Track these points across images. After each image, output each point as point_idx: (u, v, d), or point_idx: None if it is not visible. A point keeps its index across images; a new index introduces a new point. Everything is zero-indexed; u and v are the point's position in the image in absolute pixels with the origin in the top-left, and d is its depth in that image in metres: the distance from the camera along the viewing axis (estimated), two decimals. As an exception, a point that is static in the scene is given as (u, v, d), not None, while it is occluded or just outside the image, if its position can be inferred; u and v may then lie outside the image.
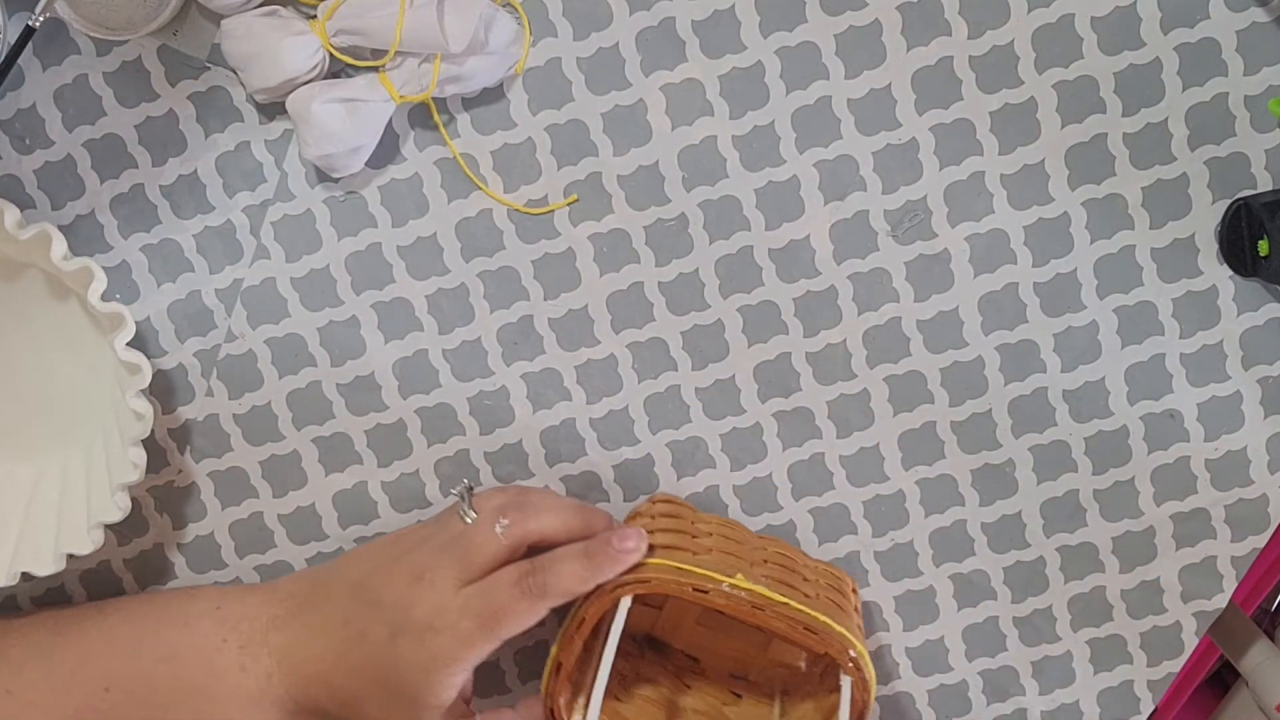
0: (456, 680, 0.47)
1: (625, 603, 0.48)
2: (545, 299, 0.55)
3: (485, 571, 0.49)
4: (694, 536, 0.53)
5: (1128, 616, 0.59)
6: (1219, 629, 0.62)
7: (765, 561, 0.53)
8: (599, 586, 0.49)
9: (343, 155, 0.51)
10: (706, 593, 0.48)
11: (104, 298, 0.50)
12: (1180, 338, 0.56)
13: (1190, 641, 0.60)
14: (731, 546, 0.53)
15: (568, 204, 0.49)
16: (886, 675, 0.60)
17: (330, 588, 0.51)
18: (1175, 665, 0.60)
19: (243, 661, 0.49)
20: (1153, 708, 0.61)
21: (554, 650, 0.50)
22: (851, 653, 0.49)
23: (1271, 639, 0.67)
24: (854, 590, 0.57)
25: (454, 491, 0.53)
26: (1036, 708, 0.60)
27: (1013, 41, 0.53)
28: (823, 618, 0.49)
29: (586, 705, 0.49)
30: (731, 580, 0.49)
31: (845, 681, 0.49)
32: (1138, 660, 0.60)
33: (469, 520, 0.50)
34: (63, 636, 0.51)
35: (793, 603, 0.49)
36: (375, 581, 0.49)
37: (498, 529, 0.49)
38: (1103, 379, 0.57)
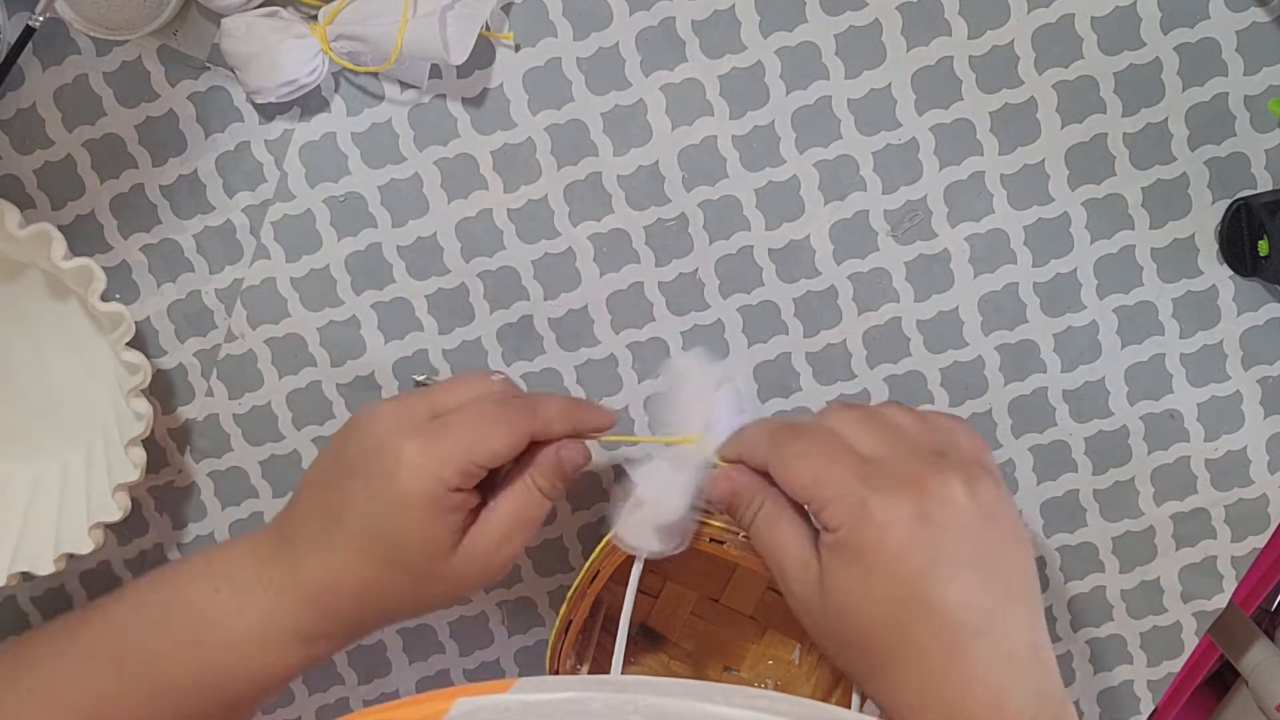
0: (430, 461, 0.45)
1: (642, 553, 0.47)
2: (545, 299, 0.55)
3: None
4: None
5: (1128, 616, 0.59)
6: (1219, 629, 0.62)
7: None
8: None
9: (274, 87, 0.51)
10: (723, 543, 0.48)
11: (104, 298, 0.50)
12: (1180, 338, 0.56)
13: (1190, 641, 0.60)
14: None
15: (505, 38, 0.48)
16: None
17: (302, 498, 0.49)
18: (1175, 665, 0.60)
19: (239, 606, 0.47)
20: (1153, 708, 0.61)
21: (563, 609, 0.49)
22: None
23: (1271, 639, 0.67)
24: None
25: (417, 378, 0.52)
26: (1036, 708, 0.60)
27: (1013, 41, 0.53)
28: None
29: (589, 670, 0.48)
30: (746, 533, 0.48)
31: None
32: (1138, 660, 0.60)
33: (434, 380, 0.48)
34: (77, 631, 0.51)
35: None
36: (335, 462, 0.48)
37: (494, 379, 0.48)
38: (1103, 379, 0.57)
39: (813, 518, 0.42)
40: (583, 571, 0.49)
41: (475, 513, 0.47)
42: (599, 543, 0.48)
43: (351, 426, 0.48)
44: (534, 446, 0.47)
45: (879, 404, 0.47)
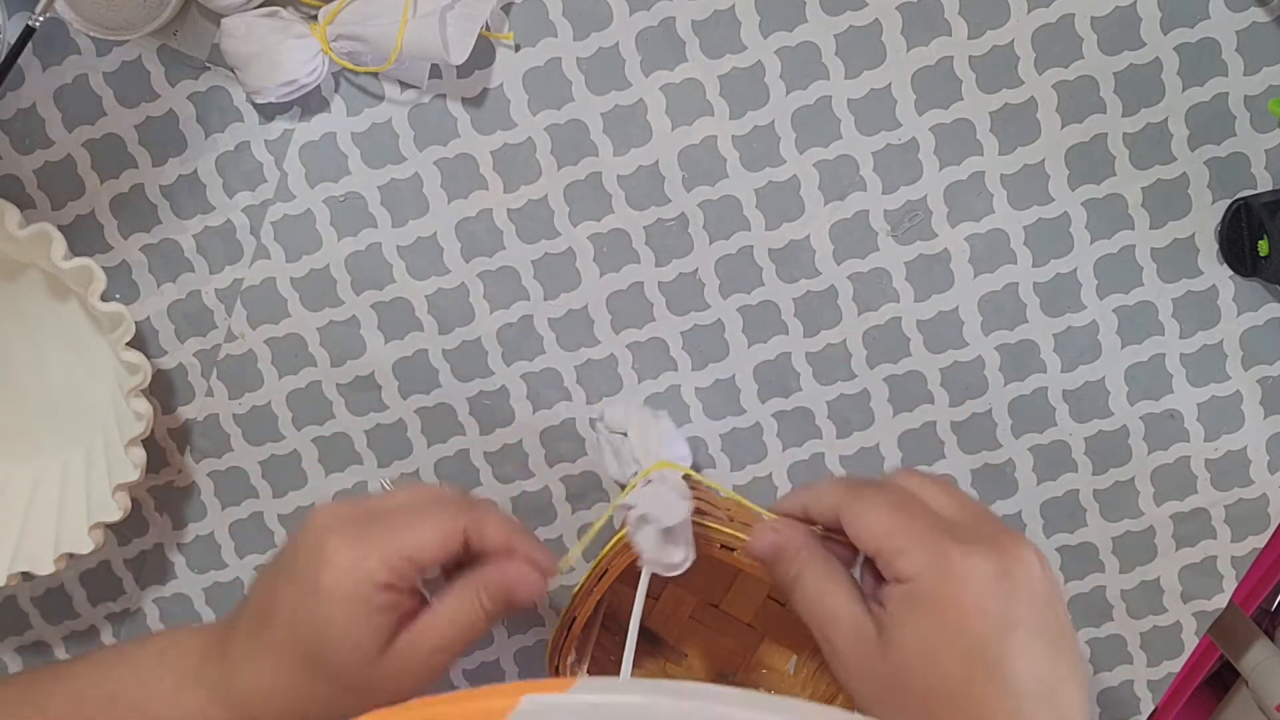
0: (350, 558, 0.43)
1: None
2: (545, 299, 0.55)
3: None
4: (715, 506, 0.53)
5: (1128, 616, 0.59)
6: (1219, 629, 0.62)
7: None
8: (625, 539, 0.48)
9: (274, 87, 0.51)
10: (734, 550, 0.48)
11: (104, 298, 0.50)
12: (1180, 338, 0.56)
13: (1190, 641, 0.59)
14: (750, 519, 0.53)
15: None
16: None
17: (248, 597, 0.48)
18: (1175, 665, 0.60)
19: (177, 699, 0.46)
20: (1153, 708, 0.61)
21: (569, 605, 0.49)
22: None
23: (1271, 639, 0.67)
24: None
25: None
26: (1036, 708, 0.60)
27: (1013, 41, 0.53)
28: None
29: (587, 669, 0.48)
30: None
31: None
32: (1138, 660, 0.60)
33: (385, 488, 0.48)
34: (39, 699, 0.50)
35: None
36: (276, 560, 0.46)
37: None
38: (1103, 379, 0.57)
39: (883, 568, 0.41)
40: (590, 569, 0.49)
41: (410, 618, 0.44)
42: (608, 542, 0.48)
43: (301, 525, 0.46)
44: (488, 560, 0.46)
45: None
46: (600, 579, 0.48)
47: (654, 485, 0.47)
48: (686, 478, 0.51)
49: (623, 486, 0.51)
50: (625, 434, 0.52)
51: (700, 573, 0.57)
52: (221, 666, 0.46)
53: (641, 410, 0.55)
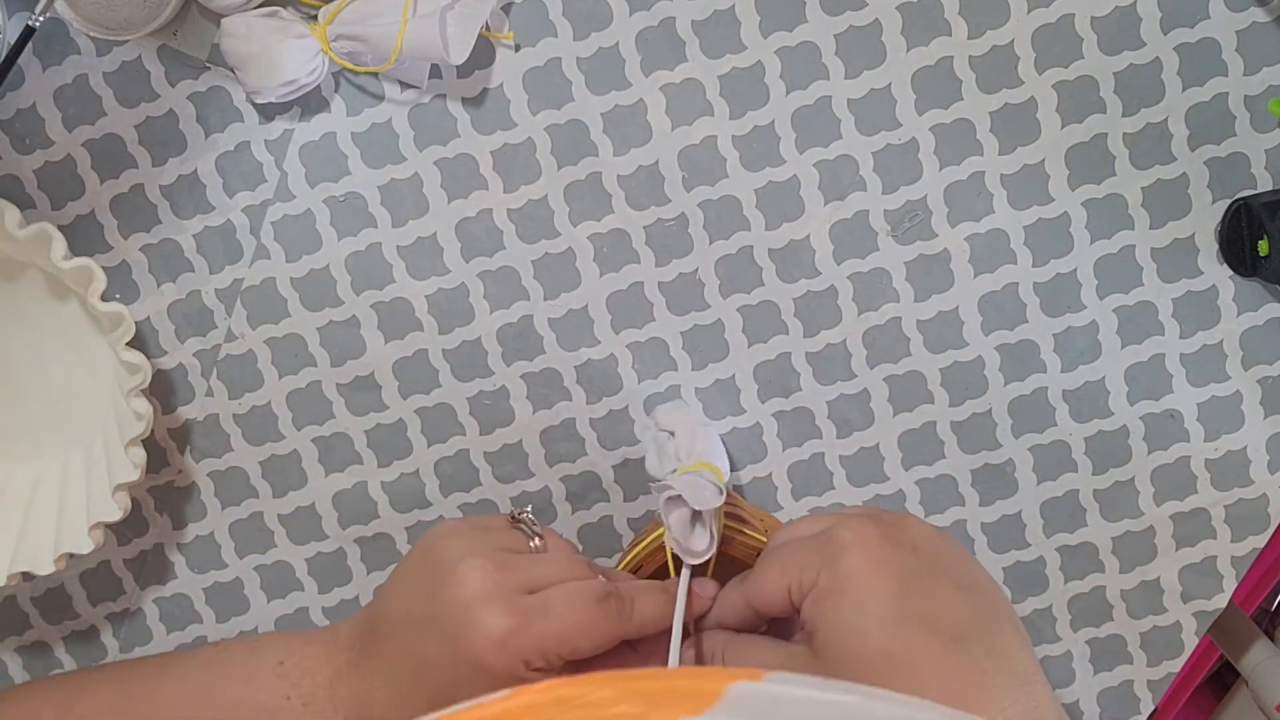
0: (500, 630, 0.43)
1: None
2: (545, 299, 0.55)
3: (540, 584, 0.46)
4: (748, 513, 0.53)
5: (1128, 616, 0.59)
6: (1219, 629, 0.62)
7: None
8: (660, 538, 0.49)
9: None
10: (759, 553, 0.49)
11: (104, 298, 0.50)
12: (1180, 338, 0.56)
13: (1190, 641, 0.60)
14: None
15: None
16: (886, 675, 0.60)
17: (384, 623, 0.48)
18: (1175, 665, 0.60)
19: (307, 717, 0.48)
20: (1153, 708, 0.61)
21: None
22: None
23: (1271, 639, 0.67)
24: None
25: (522, 514, 0.50)
26: (1036, 708, 0.60)
27: (1013, 41, 0.53)
28: None
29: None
30: None
31: None
32: (1138, 660, 0.60)
33: (535, 545, 0.48)
34: (131, 701, 0.50)
35: None
36: (425, 597, 0.47)
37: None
38: (1103, 379, 0.57)
39: (796, 601, 0.42)
40: (625, 561, 0.50)
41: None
42: (645, 539, 0.49)
43: (440, 564, 0.46)
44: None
45: None
46: (635, 573, 0.49)
47: (691, 475, 0.48)
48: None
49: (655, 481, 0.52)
50: (673, 433, 0.53)
51: (720, 574, 0.58)
52: (357, 689, 0.47)
53: (692, 415, 0.56)
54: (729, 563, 0.50)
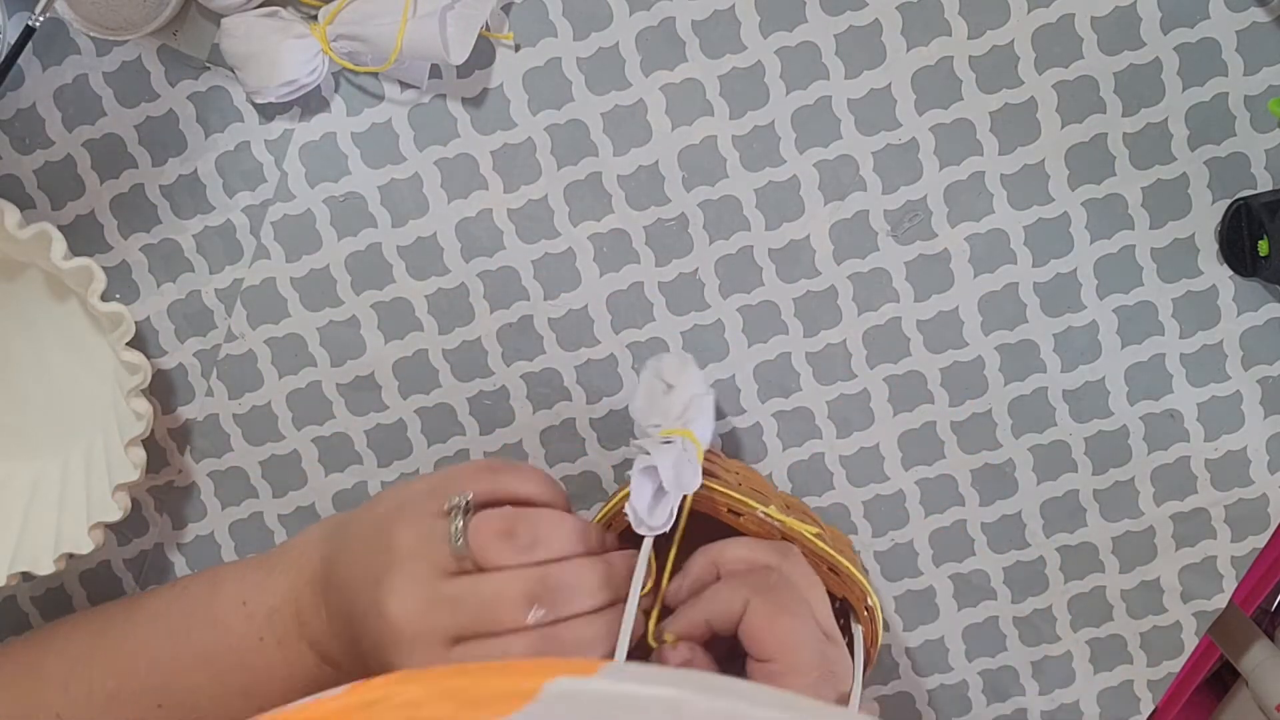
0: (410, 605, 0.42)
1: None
2: (545, 299, 0.55)
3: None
4: (725, 469, 0.53)
5: (1128, 616, 0.59)
6: (1219, 629, 0.62)
7: (788, 506, 0.53)
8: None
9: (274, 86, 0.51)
10: (740, 515, 0.49)
11: (104, 298, 0.50)
12: (1180, 338, 0.56)
13: (1190, 641, 0.60)
14: (758, 484, 0.54)
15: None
16: (886, 675, 0.60)
17: (336, 573, 0.47)
18: (1175, 665, 0.60)
19: (285, 657, 0.47)
20: (1153, 708, 0.61)
21: None
22: (868, 601, 0.50)
23: (1271, 639, 0.67)
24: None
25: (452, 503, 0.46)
26: (1036, 708, 0.60)
27: (1013, 41, 0.53)
28: (845, 561, 0.50)
29: None
30: (765, 509, 0.49)
31: (857, 630, 0.50)
32: (1138, 660, 0.60)
33: (458, 546, 0.43)
34: (98, 649, 0.50)
35: (820, 542, 0.50)
36: (368, 582, 0.45)
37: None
38: (1103, 379, 0.57)
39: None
40: (601, 515, 0.49)
41: None
42: (619, 494, 0.48)
43: (390, 564, 0.44)
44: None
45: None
46: (606, 529, 0.49)
47: (676, 448, 0.47)
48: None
49: (637, 427, 0.50)
50: (671, 386, 0.50)
51: (705, 536, 0.57)
52: (322, 629, 0.47)
53: (696, 378, 0.51)
54: (698, 519, 0.49)
